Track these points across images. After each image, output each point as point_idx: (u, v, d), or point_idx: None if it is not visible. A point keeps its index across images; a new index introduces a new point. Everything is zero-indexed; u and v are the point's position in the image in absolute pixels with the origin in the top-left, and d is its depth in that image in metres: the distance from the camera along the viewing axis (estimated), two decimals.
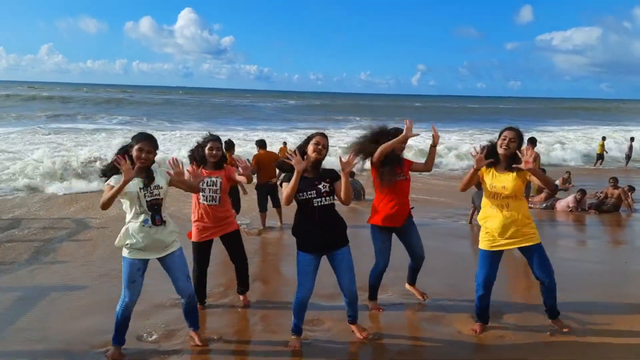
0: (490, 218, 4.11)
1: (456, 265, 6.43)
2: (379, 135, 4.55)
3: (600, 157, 20.82)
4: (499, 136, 4.15)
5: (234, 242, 4.79)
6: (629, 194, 10.90)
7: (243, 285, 4.98)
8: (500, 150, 4.08)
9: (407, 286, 5.18)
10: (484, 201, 4.20)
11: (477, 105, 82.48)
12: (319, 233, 3.78)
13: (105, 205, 3.49)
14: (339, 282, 3.96)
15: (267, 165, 8.51)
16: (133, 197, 3.59)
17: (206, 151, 4.61)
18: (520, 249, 4.15)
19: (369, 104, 73.55)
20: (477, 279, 4.24)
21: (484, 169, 4.14)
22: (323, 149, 3.80)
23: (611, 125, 37.86)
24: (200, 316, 4.66)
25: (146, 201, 3.62)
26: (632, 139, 21.80)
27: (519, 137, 4.10)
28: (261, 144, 8.87)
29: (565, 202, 10.79)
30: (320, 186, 3.74)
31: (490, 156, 4.10)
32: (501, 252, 4.16)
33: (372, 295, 4.89)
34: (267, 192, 8.60)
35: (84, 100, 51.18)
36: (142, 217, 3.61)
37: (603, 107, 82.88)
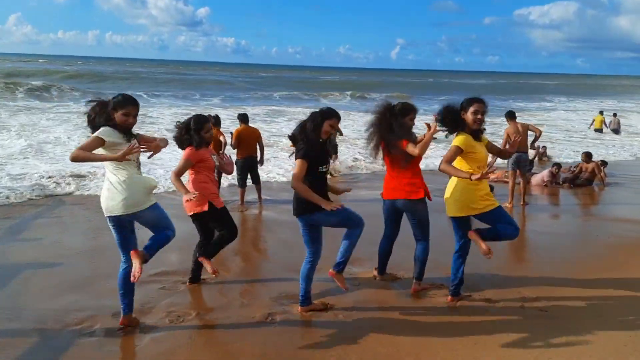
0: (475, 186, 4.02)
1: (433, 240, 6.46)
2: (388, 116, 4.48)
3: (599, 132, 21.16)
4: (467, 108, 4.04)
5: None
6: (602, 168, 11.13)
7: (211, 250, 4.79)
8: (474, 126, 4.03)
9: (380, 277, 5.07)
10: (466, 169, 4.02)
11: (470, 81, 79.92)
12: (326, 194, 4.03)
13: (79, 159, 3.37)
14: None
15: (248, 141, 8.41)
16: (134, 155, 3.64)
17: (205, 134, 4.62)
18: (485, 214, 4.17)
19: (348, 79, 72.48)
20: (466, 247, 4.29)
21: (465, 141, 4.02)
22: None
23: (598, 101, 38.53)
24: (178, 293, 4.65)
25: (137, 163, 3.72)
26: (615, 114, 22.58)
27: (487, 107, 4.09)
28: (243, 118, 8.72)
29: (541, 176, 10.96)
30: (329, 159, 4.10)
31: (456, 123, 4.07)
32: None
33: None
34: (248, 168, 8.49)
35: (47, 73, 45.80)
36: (138, 170, 3.71)
37: (588, 84, 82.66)
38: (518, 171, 8.89)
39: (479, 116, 4.00)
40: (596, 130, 21.33)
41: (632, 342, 3.77)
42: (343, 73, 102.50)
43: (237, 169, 8.45)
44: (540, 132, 9.31)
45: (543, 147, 13.49)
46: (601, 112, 22.51)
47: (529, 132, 9.23)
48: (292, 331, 3.93)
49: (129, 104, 3.59)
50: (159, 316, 4.13)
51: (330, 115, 3.92)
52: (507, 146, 8.77)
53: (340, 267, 4.12)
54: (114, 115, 3.57)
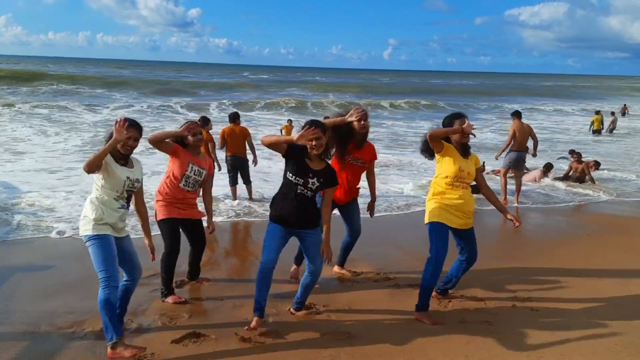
0: (448, 194, 4.09)
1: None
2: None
3: (598, 132, 21.24)
4: (452, 123, 4.09)
5: (197, 230, 4.71)
6: (593, 168, 11.25)
7: (196, 269, 4.90)
8: (464, 140, 4.07)
9: (337, 269, 5.16)
10: (443, 180, 4.10)
11: (471, 82, 77.37)
12: (294, 213, 3.84)
13: (91, 165, 3.34)
14: (308, 263, 4.00)
15: (233, 139, 8.52)
16: (119, 183, 3.57)
17: (190, 139, 4.46)
18: (457, 230, 4.19)
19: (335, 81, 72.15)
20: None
21: (451, 145, 4.09)
22: (319, 139, 3.75)
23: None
24: (179, 291, 4.62)
25: (126, 190, 3.63)
26: (612, 113, 23.27)
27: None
28: (229, 117, 8.90)
29: (532, 175, 11.06)
30: (311, 180, 3.79)
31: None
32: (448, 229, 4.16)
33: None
34: (235, 166, 8.62)
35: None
36: (120, 202, 3.62)
37: (589, 86, 79.75)
38: (514, 170, 9.05)
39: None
40: (595, 131, 21.36)
41: (622, 341, 3.81)
42: (338, 74, 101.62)
43: (227, 167, 8.70)
44: (537, 140, 9.50)
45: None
46: (597, 112, 22.63)
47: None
48: (284, 332, 3.92)
49: (132, 127, 3.56)
50: (152, 318, 4.12)
51: (305, 125, 3.83)
52: (512, 142, 8.93)
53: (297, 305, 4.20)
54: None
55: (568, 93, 55.34)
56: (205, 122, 8.61)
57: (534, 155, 9.37)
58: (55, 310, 4.20)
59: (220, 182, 8.95)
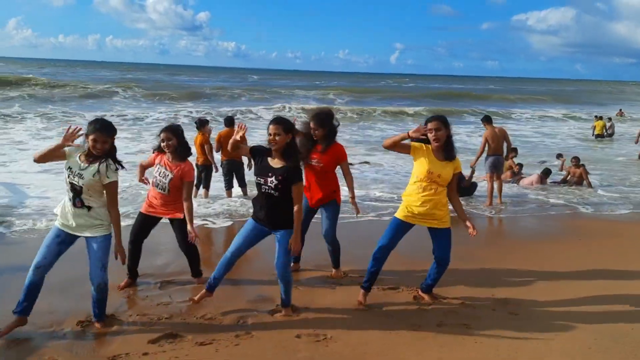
0: (413, 195, 4.22)
1: (412, 240, 6.47)
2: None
3: (601, 137, 21.18)
4: (426, 125, 4.16)
5: (176, 230, 4.77)
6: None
7: (193, 271, 4.98)
8: (433, 143, 4.14)
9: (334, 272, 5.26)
10: (414, 180, 4.23)
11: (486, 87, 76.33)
12: (263, 211, 4.07)
13: (38, 158, 3.62)
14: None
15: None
16: (65, 171, 3.75)
17: (160, 143, 4.57)
18: (430, 228, 4.30)
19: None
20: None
21: (422, 147, 4.17)
22: (276, 136, 3.88)
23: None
24: (163, 292, 4.68)
25: (68, 182, 3.73)
26: (609, 119, 23.02)
27: (444, 124, 4.12)
28: (225, 121, 9.03)
29: (529, 180, 11.04)
30: (269, 179, 3.94)
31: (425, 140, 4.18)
32: (410, 225, 4.29)
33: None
34: (230, 170, 8.67)
35: None
36: (70, 194, 3.75)
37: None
38: (495, 174, 9.11)
39: (433, 133, 4.10)
40: (597, 136, 21.35)
41: (596, 344, 3.81)
42: (345, 78, 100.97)
43: (222, 171, 8.69)
44: (510, 144, 9.70)
45: (519, 164, 12.03)
46: (600, 118, 22.62)
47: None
48: (260, 333, 3.94)
49: (97, 131, 3.67)
50: (133, 318, 4.16)
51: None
52: (487, 148, 8.99)
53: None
54: (87, 139, 3.70)
55: (572, 98, 54.64)
56: (203, 124, 8.66)
57: (506, 158, 9.46)
58: (37, 310, 4.20)
59: (216, 184, 9.03)
